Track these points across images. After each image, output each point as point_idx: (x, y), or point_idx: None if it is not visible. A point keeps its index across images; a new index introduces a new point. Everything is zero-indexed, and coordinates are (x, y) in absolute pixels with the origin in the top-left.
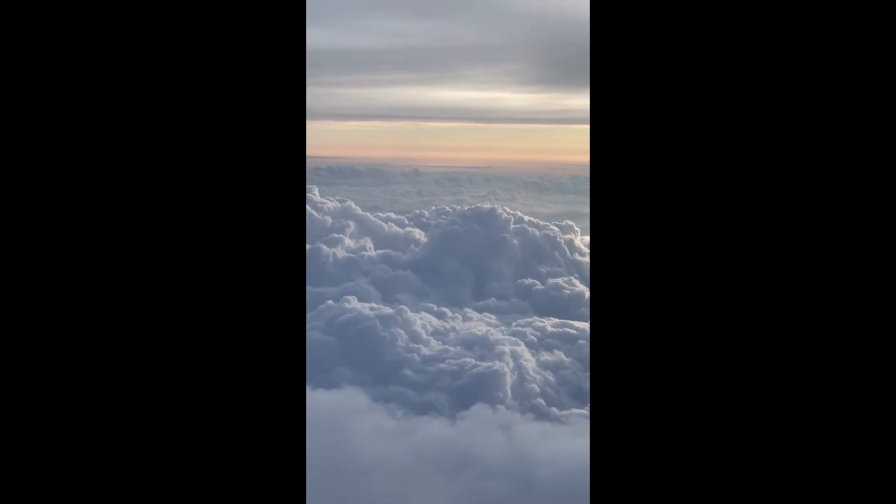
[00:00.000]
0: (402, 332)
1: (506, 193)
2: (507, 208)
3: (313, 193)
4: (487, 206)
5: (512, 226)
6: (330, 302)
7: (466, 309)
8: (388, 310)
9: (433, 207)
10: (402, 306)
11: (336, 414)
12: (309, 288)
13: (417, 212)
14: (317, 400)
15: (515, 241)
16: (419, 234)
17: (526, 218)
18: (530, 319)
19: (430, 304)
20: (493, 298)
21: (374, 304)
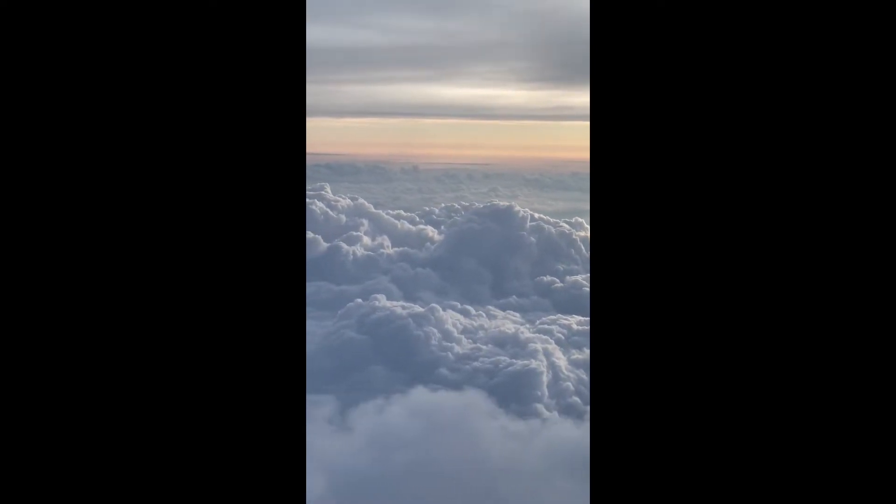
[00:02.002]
0: (434, 330)
1: (507, 191)
2: (516, 205)
3: (326, 191)
4: (504, 203)
5: (528, 223)
6: (358, 300)
7: (489, 307)
8: (418, 308)
9: (442, 205)
10: (434, 304)
11: (462, 416)
12: (331, 286)
13: (427, 209)
14: (440, 401)
15: (532, 239)
16: (431, 232)
17: (536, 215)
18: (554, 317)
19: (454, 302)
20: (514, 296)
21: (404, 303)
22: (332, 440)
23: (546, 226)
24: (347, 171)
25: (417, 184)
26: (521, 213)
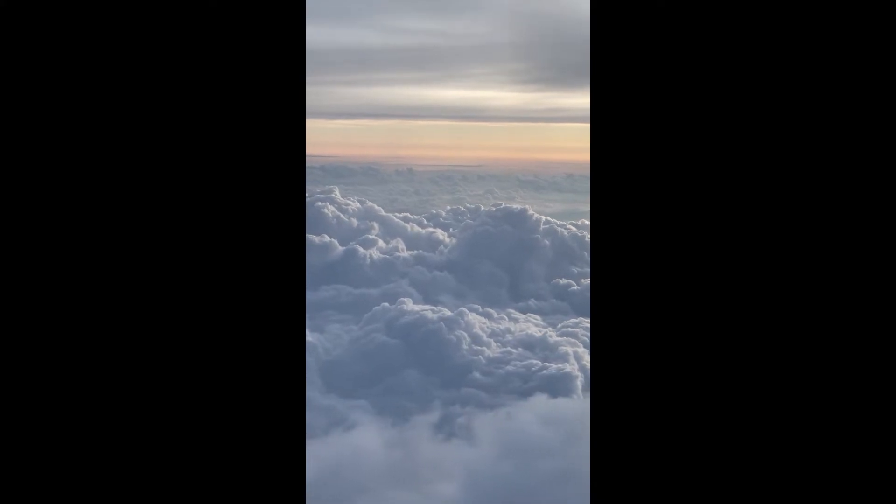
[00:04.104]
0: (465, 334)
1: (503, 192)
2: (529, 208)
3: (335, 195)
4: (518, 206)
5: (542, 226)
6: (385, 304)
7: (509, 309)
8: (447, 312)
9: (448, 207)
10: (463, 308)
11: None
12: (350, 289)
13: (434, 212)
14: (562, 408)
15: (546, 242)
16: (442, 235)
17: (543, 218)
18: (576, 320)
19: (475, 306)
20: (533, 300)
21: (433, 307)
22: (457, 449)
23: (559, 228)
24: (342, 172)
25: (413, 185)
26: (535, 216)
